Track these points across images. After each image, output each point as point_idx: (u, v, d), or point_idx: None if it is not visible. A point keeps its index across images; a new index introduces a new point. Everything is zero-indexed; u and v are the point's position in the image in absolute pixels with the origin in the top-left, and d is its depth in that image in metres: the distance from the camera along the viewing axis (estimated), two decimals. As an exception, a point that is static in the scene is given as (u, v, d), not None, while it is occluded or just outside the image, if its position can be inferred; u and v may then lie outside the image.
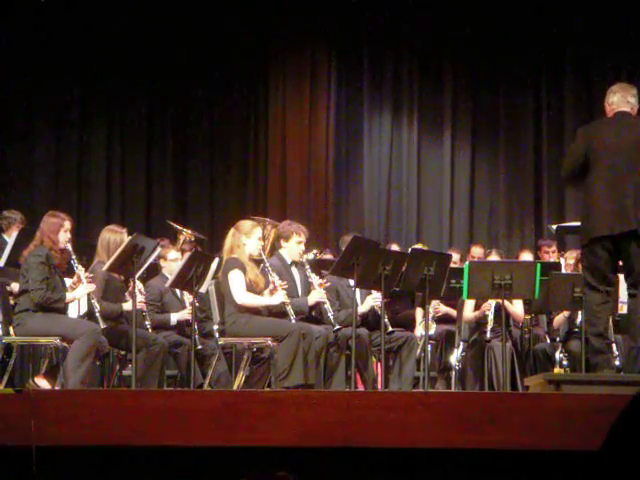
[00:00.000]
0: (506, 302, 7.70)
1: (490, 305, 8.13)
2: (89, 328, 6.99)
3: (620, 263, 5.96)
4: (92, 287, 7.23)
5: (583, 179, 5.95)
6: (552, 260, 9.28)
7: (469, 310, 8.32)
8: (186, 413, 4.62)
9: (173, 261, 8.30)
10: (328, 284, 7.78)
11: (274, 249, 8.33)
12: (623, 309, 7.64)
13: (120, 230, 7.60)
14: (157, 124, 12.27)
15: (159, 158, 12.27)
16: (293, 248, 7.84)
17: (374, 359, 7.98)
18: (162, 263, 8.42)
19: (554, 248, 9.79)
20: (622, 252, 5.84)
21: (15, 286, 7.62)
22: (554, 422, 4.60)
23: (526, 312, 8.32)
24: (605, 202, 5.82)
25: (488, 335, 8.12)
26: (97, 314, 7.15)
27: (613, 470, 1.24)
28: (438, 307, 8.84)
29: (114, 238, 7.47)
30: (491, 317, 8.15)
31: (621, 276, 6.37)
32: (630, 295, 5.98)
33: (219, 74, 12.08)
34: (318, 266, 8.38)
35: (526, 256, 9.77)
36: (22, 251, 7.23)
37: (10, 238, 8.33)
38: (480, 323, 8.33)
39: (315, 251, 9.17)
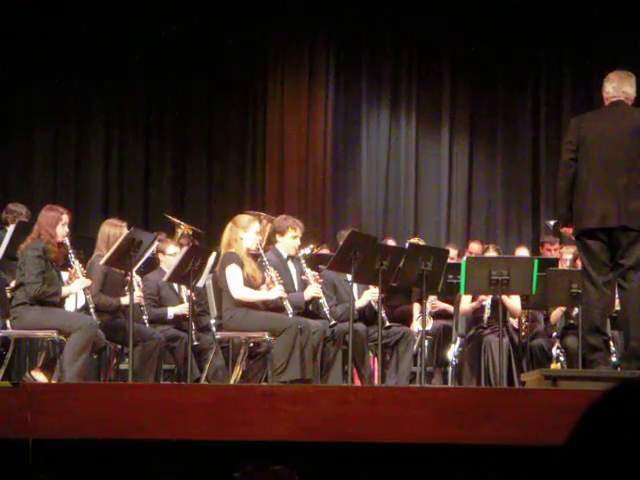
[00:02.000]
0: (503, 296, 7.71)
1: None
2: (86, 322, 6.99)
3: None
4: (88, 282, 7.23)
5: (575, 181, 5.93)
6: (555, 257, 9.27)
7: (466, 302, 8.32)
8: (183, 407, 4.62)
9: (171, 255, 8.29)
10: (320, 280, 7.77)
11: (269, 244, 8.32)
12: (619, 305, 7.65)
13: (120, 224, 7.60)
14: (155, 119, 12.27)
15: (157, 152, 12.28)
16: (289, 243, 7.83)
17: (371, 354, 7.99)
18: (160, 257, 8.41)
19: (557, 246, 9.78)
20: (613, 243, 5.84)
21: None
22: (550, 418, 4.60)
23: (523, 308, 8.32)
24: (598, 194, 5.80)
25: (485, 322, 8.14)
26: (91, 309, 7.16)
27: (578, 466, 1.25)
28: (435, 303, 8.84)
29: (114, 232, 7.47)
30: (488, 306, 8.16)
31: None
32: (620, 287, 5.97)
33: (217, 70, 12.08)
34: (315, 261, 8.38)
35: (522, 252, 9.77)
36: (20, 245, 7.22)
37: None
38: (477, 318, 8.34)
39: (312, 246, 9.17)
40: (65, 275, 7.39)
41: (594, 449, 1.25)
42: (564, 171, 5.96)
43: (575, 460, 1.26)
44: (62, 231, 7.16)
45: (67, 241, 7.20)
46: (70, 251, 7.22)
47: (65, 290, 7.19)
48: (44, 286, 6.96)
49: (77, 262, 7.24)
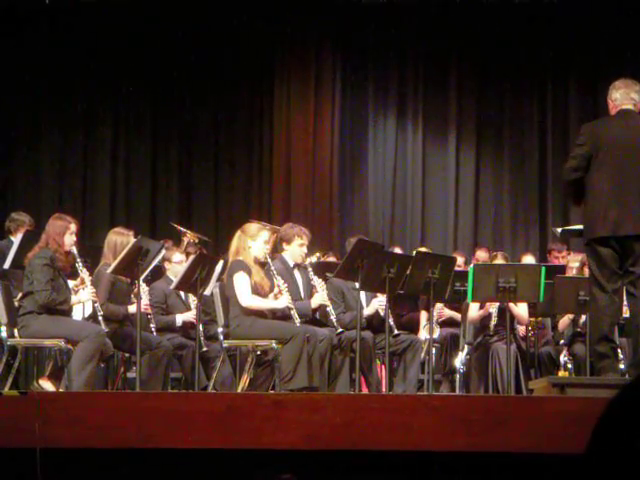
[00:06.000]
0: (510, 303, 7.69)
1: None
2: (94, 330, 6.99)
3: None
4: (94, 291, 7.23)
5: (583, 180, 5.87)
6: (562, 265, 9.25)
7: (474, 310, 8.31)
8: (190, 416, 4.61)
9: (178, 263, 8.30)
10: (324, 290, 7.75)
11: (274, 252, 8.31)
12: (628, 312, 7.62)
13: (127, 232, 7.60)
14: (162, 127, 12.29)
15: (164, 160, 12.30)
16: (295, 251, 7.83)
17: (378, 362, 7.98)
18: (166, 265, 8.42)
19: (564, 253, 9.76)
20: (625, 251, 5.80)
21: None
22: (558, 425, 4.59)
23: (531, 315, 8.31)
24: (611, 202, 5.76)
25: (491, 330, 8.12)
26: (100, 317, 7.16)
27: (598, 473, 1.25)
28: (442, 311, 8.84)
29: (121, 240, 7.47)
30: (495, 313, 8.15)
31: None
32: (629, 294, 5.93)
33: (224, 78, 12.11)
34: (322, 269, 8.37)
35: (528, 259, 9.76)
36: (26, 253, 7.23)
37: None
38: (484, 326, 8.32)
39: (318, 254, 9.16)
40: (71, 283, 7.39)
41: (611, 457, 1.25)
42: (571, 177, 5.88)
43: (594, 468, 1.27)
44: (70, 240, 7.18)
45: (74, 250, 7.21)
46: (77, 260, 7.23)
47: (74, 298, 7.20)
48: (54, 294, 6.97)
49: (85, 271, 7.25)
